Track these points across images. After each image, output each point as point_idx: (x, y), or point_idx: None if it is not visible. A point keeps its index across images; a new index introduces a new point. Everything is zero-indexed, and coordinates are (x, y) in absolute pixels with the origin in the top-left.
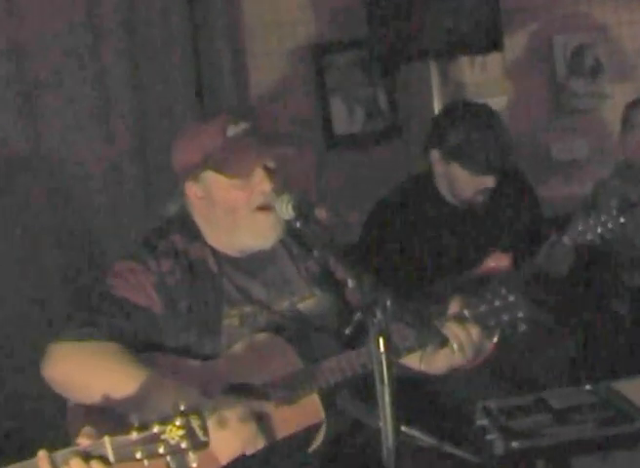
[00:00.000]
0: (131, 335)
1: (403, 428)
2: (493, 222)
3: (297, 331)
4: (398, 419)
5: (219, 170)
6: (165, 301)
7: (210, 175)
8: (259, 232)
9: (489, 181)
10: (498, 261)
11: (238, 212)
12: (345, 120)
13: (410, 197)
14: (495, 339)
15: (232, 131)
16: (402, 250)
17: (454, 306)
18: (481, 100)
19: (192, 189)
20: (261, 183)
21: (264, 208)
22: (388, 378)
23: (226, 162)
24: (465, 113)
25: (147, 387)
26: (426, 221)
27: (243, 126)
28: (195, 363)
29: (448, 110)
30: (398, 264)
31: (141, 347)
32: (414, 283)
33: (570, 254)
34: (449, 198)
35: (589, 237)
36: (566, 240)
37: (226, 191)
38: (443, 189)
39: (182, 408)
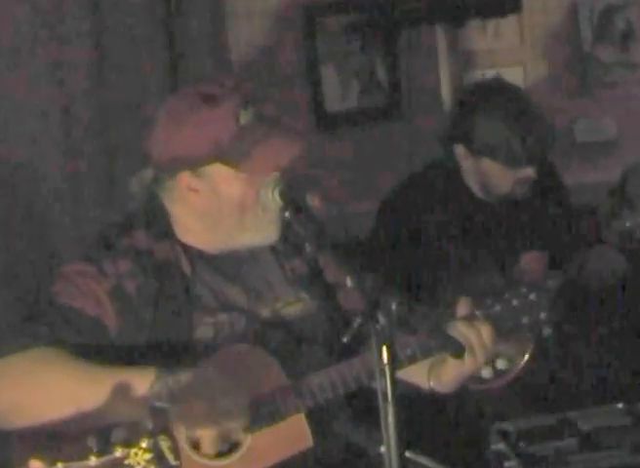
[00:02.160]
0: (76, 350)
1: (408, 454)
2: (526, 219)
3: (281, 341)
4: (403, 443)
5: (232, 164)
6: (121, 310)
7: (217, 169)
8: (265, 228)
9: (529, 172)
10: (532, 263)
11: (248, 209)
12: (339, 94)
13: (430, 188)
14: (526, 357)
15: (244, 118)
16: (420, 248)
17: (462, 307)
18: (494, 72)
19: (185, 180)
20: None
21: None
22: (392, 395)
23: (243, 156)
24: (493, 98)
25: (119, 392)
26: (449, 217)
27: (252, 110)
28: None
29: (468, 96)
30: (416, 264)
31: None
32: (432, 286)
33: (616, 259)
34: (477, 192)
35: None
36: (612, 237)
37: (236, 187)
38: (471, 182)
39: (150, 426)
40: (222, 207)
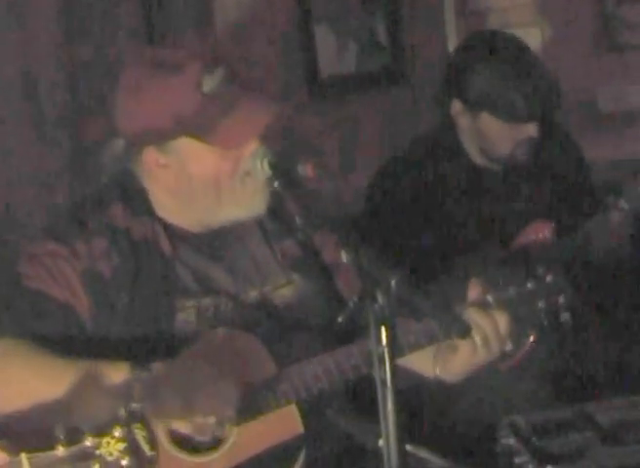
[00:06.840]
0: (45, 339)
1: (409, 447)
2: (530, 188)
3: (270, 327)
4: (403, 436)
5: (200, 138)
6: (95, 295)
7: (184, 143)
8: (247, 200)
9: (531, 130)
10: (537, 232)
11: (223, 183)
12: (334, 57)
13: (426, 157)
14: (531, 339)
15: (209, 84)
16: (416, 221)
17: (473, 290)
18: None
19: (152, 156)
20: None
21: (251, 171)
22: (392, 381)
23: (210, 128)
24: (492, 48)
25: (86, 385)
26: (447, 187)
27: (219, 74)
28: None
29: (468, 46)
30: (412, 240)
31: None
32: (430, 263)
33: (628, 228)
34: (476, 158)
35: None
36: (623, 204)
37: (208, 162)
38: (470, 147)
39: (123, 414)
40: (195, 185)
